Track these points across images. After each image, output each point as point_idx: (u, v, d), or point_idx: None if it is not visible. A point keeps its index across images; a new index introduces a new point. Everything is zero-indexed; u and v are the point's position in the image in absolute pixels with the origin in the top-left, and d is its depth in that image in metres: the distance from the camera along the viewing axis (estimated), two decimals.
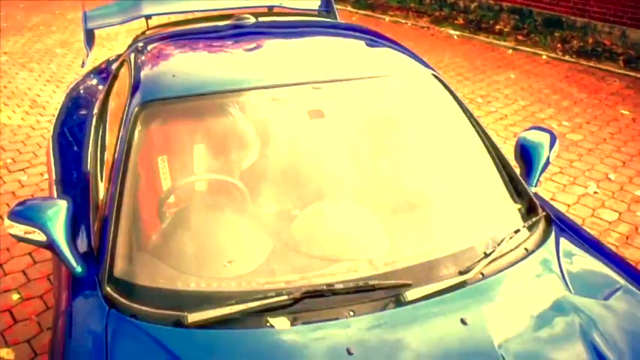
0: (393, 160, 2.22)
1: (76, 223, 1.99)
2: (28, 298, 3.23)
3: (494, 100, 5.92)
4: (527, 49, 7.48)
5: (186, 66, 2.46)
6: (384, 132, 2.31)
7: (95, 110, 3.07)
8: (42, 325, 3.04)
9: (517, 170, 2.36)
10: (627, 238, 3.85)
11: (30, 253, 3.57)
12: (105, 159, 2.40)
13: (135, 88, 2.28)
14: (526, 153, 2.43)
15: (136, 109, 2.13)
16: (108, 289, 1.75)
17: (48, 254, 3.33)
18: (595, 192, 4.34)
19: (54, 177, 2.84)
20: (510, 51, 7.46)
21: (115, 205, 1.92)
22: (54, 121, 3.51)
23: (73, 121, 3.33)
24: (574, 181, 4.49)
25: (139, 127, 2.09)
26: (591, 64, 6.97)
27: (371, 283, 1.72)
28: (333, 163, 2.12)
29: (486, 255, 1.86)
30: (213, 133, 2.27)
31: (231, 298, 1.65)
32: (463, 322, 1.66)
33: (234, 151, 2.23)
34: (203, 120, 2.24)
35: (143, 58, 2.56)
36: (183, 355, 1.55)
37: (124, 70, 2.73)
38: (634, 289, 1.92)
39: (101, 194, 2.18)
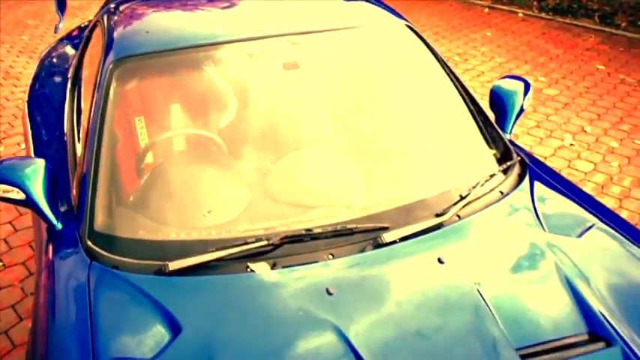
0: (369, 109, 2.24)
1: (54, 182, 1.99)
2: (11, 265, 3.24)
3: (472, 57, 5.94)
4: (504, 7, 7.49)
5: (159, 22, 2.44)
6: (359, 82, 2.32)
7: (70, 74, 3.04)
8: (25, 291, 3.05)
9: (492, 118, 2.38)
10: (602, 187, 3.92)
11: (11, 222, 3.56)
12: (81, 120, 2.39)
13: (108, 46, 2.27)
14: (500, 101, 2.46)
15: (110, 66, 2.12)
16: (89, 242, 1.76)
17: (29, 222, 3.33)
18: (571, 144, 4.40)
19: (31, 141, 2.83)
20: (487, 9, 7.46)
21: (93, 161, 1.92)
22: (28, 88, 3.48)
23: (48, 86, 3.31)
24: (550, 134, 4.54)
25: (114, 84, 2.08)
26: (567, 20, 7.00)
27: (349, 226, 1.75)
28: (309, 113, 2.14)
29: (462, 198, 1.89)
30: (189, 89, 2.27)
31: (210, 246, 1.67)
32: (440, 261, 1.70)
33: (211, 105, 2.23)
34: (178, 76, 2.24)
35: (116, 18, 2.54)
36: (166, 302, 1.57)
37: (97, 32, 2.71)
38: (606, 226, 1.96)
39: (79, 153, 2.18)
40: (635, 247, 1.89)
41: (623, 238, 1.93)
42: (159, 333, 1.50)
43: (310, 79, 2.23)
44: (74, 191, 2.04)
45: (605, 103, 5.05)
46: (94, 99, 2.10)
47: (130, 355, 1.45)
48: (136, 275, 1.64)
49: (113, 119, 2.04)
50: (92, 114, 2.06)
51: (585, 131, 4.59)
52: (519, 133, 4.46)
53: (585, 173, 4.05)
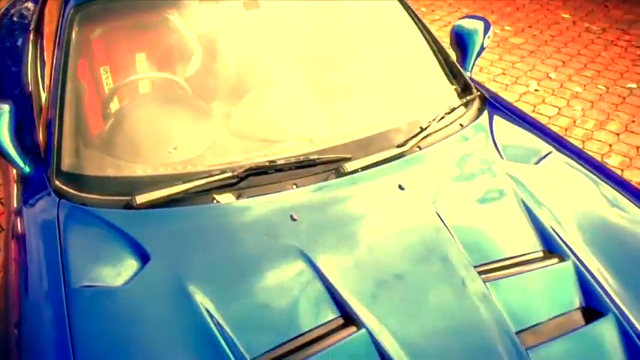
0: (330, 47, 2.26)
1: (20, 128, 2.00)
2: None
3: (438, 8, 5.95)
4: None
5: None
6: (320, 20, 2.34)
7: (31, 26, 3.01)
8: None
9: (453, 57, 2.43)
10: (566, 130, 4.01)
11: None
12: (45, 68, 2.39)
13: None
14: (461, 40, 2.50)
15: (71, 11, 2.12)
16: (57, 182, 1.78)
17: None
18: (536, 90, 4.47)
19: None
20: None
21: (59, 105, 1.93)
22: None
23: (10, 41, 3.27)
24: (516, 81, 4.60)
25: (75, 30, 2.08)
26: None
27: (312, 157, 1.79)
28: (272, 52, 2.16)
29: (422, 129, 1.94)
30: (151, 34, 2.27)
31: (176, 180, 1.70)
32: (400, 187, 1.75)
33: (174, 48, 2.24)
34: (139, 20, 2.24)
35: None
36: (134, 233, 1.60)
37: None
38: (562, 155, 2.03)
39: (44, 100, 2.18)
40: (589, 173, 1.96)
41: (577, 165, 2.00)
42: (128, 262, 1.54)
43: (271, 18, 2.24)
44: (41, 136, 2.05)
45: (569, 51, 5.12)
46: (56, 46, 2.10)
47: (101, 283, 1.49)
48: (104, 210, 1.67)
49: (77, 64, 2.05)
50: (55, 60, 2.06)
51: (550, 77, 4.66)
52: (485, 80, 4.52)
53: (550, 117, 4.13)
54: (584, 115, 4.20)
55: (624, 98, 4.47)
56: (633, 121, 4.19)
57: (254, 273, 1.52)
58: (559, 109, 4.24)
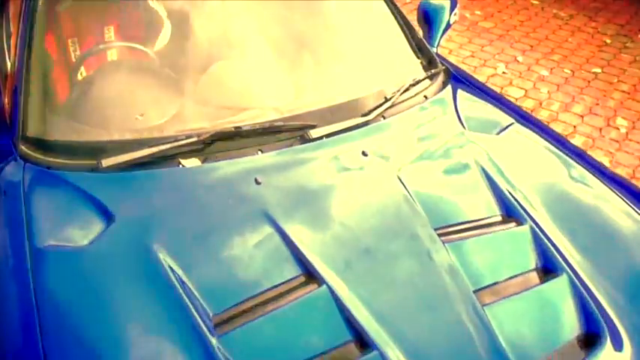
0: (297, 17, 2.27)
1: None
2: None
3: None
4: None
5: None
6: None
7: None
8: None
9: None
10: (532, 111, 4.09)
11: None
12: (12, 37, 2.37)
13: None
14: (427, 17, 2.54)
15: None
16: (23, 147, 1.78)
17: None
18: (504, 72, 4.54)
19: None
20: None
21: (25, 72, 1.92)
22: None
23: None
24: (484, 64, 4.67)
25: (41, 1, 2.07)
26: None
27: (277, 124, 1.82)
28: (240, 23, 2.17)
29: (387, 100, 1.97)
30: (121, 6, 2.26)
31: (142, 145, 1.71)
32: (364, 153, 1.79)
33: (143, 21, 2.24)
34: None
35: None
36: (99, 196, 1.61)
37: None
38: (523, 127, 2.09)
39: (9, 68, 2.17)
40: (548, 144, 2.02)
41: (538, 136, 2.06)
42: (93, 223, 1.55)
43: None
44: (6, 105, 2.04)
45: (537, 36, 5.20)
46: (23, 16, 2.09)
47: (65, 243, 1.50)
48: (69, 173, 1.68)
49: (44, 34, 2.04)
50: (21, 30, 2.05)
51: (518, 61, 4.74)
52: (454, 62, 4.56)
53: (516, 99, 4.20)
54: (549, 98, 4.28)
55: (589, 82, 4.56)
56: (597, 104, 4.29)
57: (218, 233, 1.54)
58: (526, 91, 4.31)
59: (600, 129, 4.01)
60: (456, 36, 5.01)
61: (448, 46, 4.79)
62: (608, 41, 5.23)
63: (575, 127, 3.99)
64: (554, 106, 4.19)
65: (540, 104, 4.18)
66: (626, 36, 5.34)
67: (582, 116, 4.13)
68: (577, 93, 4.40)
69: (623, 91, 4.49)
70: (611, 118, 4.16)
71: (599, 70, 4.73)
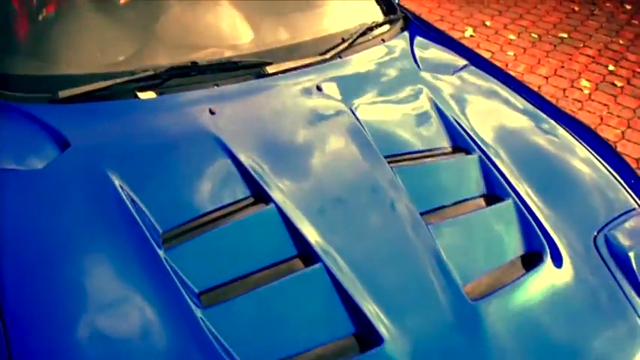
0: None
1: None
2: None
3: None
4: None
5: None
6: None
7: None
8: None
9: None
10: None
11: None
12: None
13: None
14: None
15: None
16: None
17: None
18: (471, 35, 4.59)
19: None
20: None
21: None
22: None
23: None
24: (453, 27, 4.71)
25: None
26: None
27: (234, 60, 1.84)
28: None
29: (344, 40, 2.01)
30: None
31: (100, 78, 1.73)
32: (318, 88, 1.82)
33: None
34: None
35: None
36: (55, 124, 1.63)
37: None
38: (477, 69, 2.14)
39: None
40: (500, 84, 2.07)
41: (491, 77, 2.11)
42: (48, 149, 1.57)
43: None
44: None
45: (507, 2, 5.26)
46: None
47: (20, 167, 1.52)
48: (26, 105, 1.69)
49: None
50: None
51: (486, 25, 4.79)
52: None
53: None
54: (516, 60, 4.34)
55: (555, 46, 4.63)
56: (562, 67, 4.36)
57: (170, 158, 1.57)
58: (492, 53, 4.37)
59: (564, 90, 4.08)
60: (426, 1, 5.04)
61: (418, 10, 4.82)
62: (576, 8, 5.30)
63: (539, 87, 4.05)
64: (519, 67, 4.25)
65: (506, 65, 4.23)
66: (594, 4, 5.42)
67: (547, 77, 4.20)
68: (543, 56, 4.46)
69: (588, 56, 4.57)
70: (575, 79, 4.24)
71: (565, 36, 4.80)
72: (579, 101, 3.98)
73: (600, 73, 4.34)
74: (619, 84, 4.24)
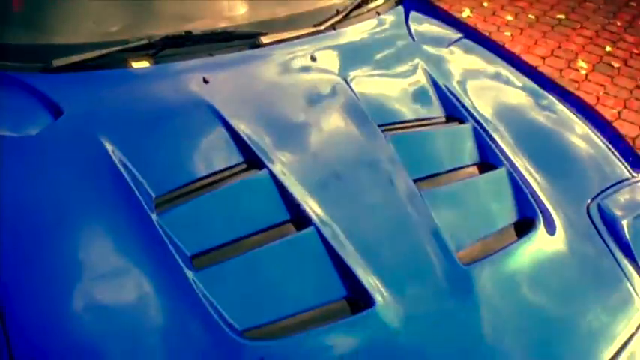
0: None
1: None
2: None
3: None
4: None
5: None
6: None
7: None
8: None
9: None
10: None
11: None
12: None
13: None
14: None
15: None
16: None
17: None
18: (468, 16, 4.58)
19: None
20: None
21: None
22: None
23: None
24: (450, 7, 4.68)
25: None
26: None
27: (229, 30, 1.84)
28: None
29: (339, 12, 2.00)
30: None
31: (94, 48, 1.72)
32: (312, 58, 1.82)
33: None
34: None
35: None
36: (49, 92, 1.62)
37: None
38: (472, 42, 2.13)
39: None
40: (494, 57, 2.07)
41: (485, 50, 2.11)
42: (42, 116, 1.56)
43: None
44: None
45: None
46: None
47: (14, 133, 1.52)
48: (20, 73, 1.69)
49: None
50: None
51: (483, 6, 4.78)
52: None
53: None
54: (512, 40, 4.33)
55: (552, 27, 4.62)
56: (559, 48, 4.35)
57: (163, 126, 1.57)
58: (489, 33, 4.35)
59: (561, 70, 4.08)
60: None
61: None
62: None
63: (536, 67, 4.04)
64: (516, 48, 4.24)
65: (504, 45, 4.22)
66: None
67: (544, 58, 4.19)
68: (540, 37, 4.46)
69: (585, 37, 4.56)
70: (572, 60, 4.24)
71: (563, 17, 4.79)
72: (576, 81, 3.97)
73: (597, 54, 4.33)
74: (616, 65, 4.24)
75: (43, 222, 1.36)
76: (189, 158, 1.51)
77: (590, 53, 4.34)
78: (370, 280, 1.30)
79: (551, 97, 1.94)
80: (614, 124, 3.26)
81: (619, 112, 3.73)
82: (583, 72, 4.10)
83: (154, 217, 1.34)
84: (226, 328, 1.20)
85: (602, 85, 4.00)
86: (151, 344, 1.18)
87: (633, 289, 1.49)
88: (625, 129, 3.51)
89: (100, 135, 1.51)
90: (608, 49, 4.42)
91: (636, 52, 4.43)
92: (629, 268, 1.52)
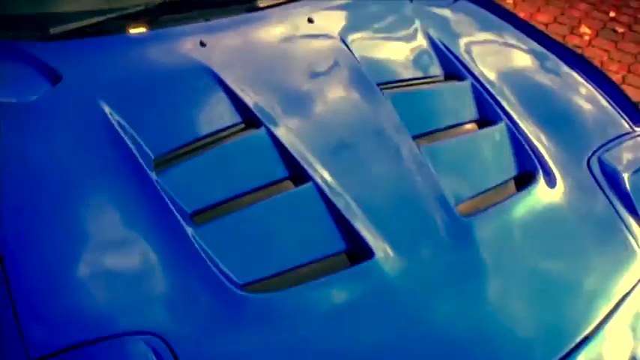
0: None
1: None
2: None
3: None
4: None
5: None
6: None
7: None
8: None
9: None
10: None
11: None
12: None
13: None
14: None
15: None
16: None
17: None
18: None
19: None
20: None
21: None
22: None
23: None
24: None
25: None
26: None
27: None
28: None
29: None
30: None
31: (91, 15, 1.73)
32: (310, 20, 1.81)
33: None
34: None
35: None
36: (46, 59, 1.63)
37: None
38: (470, 2, 2.12)
39: None
40: (493, 16, 2.06)
41: (484, 10, 2.10)
42: (41, 82, 1.57)
43: None
44: None
45: None
46: None
47: (12, 99, 1.53)
48: (19, 42, 1.69)
49: None
50: None
51: None
52: None
53: None
54: (515, 7, 4.29)
55: None
56: (562, 14, 4.31)
57: (161, 88, 1.57)
58: None
59: (564, 36, 4.04)
60: None
61: None
62: None
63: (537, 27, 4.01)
64: (519, 15, 4.19)
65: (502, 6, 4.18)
66: None
67: (547, 24, 4.16)
68: (543, 3, 4.41)
69: (589, 3, 4.51)
70: (575, 26, 4.20)
71: None
72: (579, 47, 3.94)
73: (601, 20, 4.29)
74: (620, 30, 4.20)
75: (44, 183, 1.37)
76: (187, 119, 1.51)
77: (593, 19, 4.30)
78: (369, 233, 1.31)
79: (552, 55, 1.94)
80: None
81: (623, 77, 3.71)
82: (587, 38, 4.07)
83: (153, 175, 1.35)
84: (226, 282, 1.20)
85: (606, 50, 3.96)
86: (151, 298, 1.19)
87: (634, 240, 1.49)
88: (630, 92, 3.48)
89: (99, 99, 1.51)
90: (612, 14, 4.37)
91: None
92: (630, 220, 1.52)
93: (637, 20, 4.35)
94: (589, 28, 4.18)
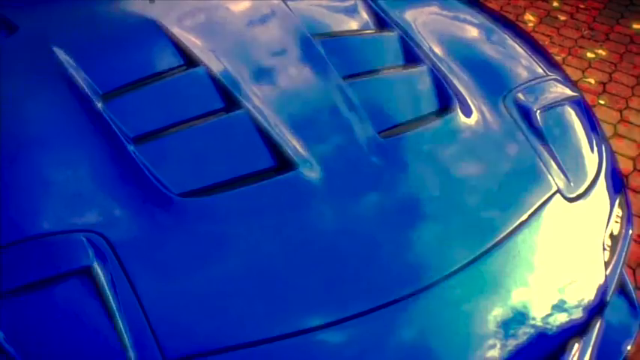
0: None
1: None
2: None
3: None
4: None
5: None
6: None
7: None
8: None
9: None
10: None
11: None
12: None
13: None
14: None
15: None
16: None
17: None
18: None
19: None
20: None
21: None
22: None
23: None
24: None
25: None
26: None
27: None
28: None
29: None
30: None
31: None
32: None
33: None
34: None
35: None
36: (4, 12, 1.75)
37: None
38: None
39: None
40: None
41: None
42: None
43: None
44: None
45: None
46: None
47: None
48: None
49: None
50: None
51: None
52: None
53: None
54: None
55: None
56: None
57: (111, 35, 1.70)
58: None
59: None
60: None
61: None
62: None
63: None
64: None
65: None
66: None
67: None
68: None
69: None
70: (520, 14, 4.40)
71: None
72: None
73: (545, 9, 4.51)
74: (562, 18, 4.41)
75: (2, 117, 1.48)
76: (133, 62, 1.63)
77: (538, 8, 4.51)
78: (295, 150, 1.44)
79: (476, 13, 2.09)
80: None
81: (563, 59, 3.91)
82: (530, 25, 4.27)
83: (99, 105, 1.47)
84: (164, 190, 1.33)
85: (548, 35, 4.17)
86: (93, 203, 1.31)
87: (543, 164, 1.63)
88: (569, 72, 3.67)
89: (53, 45, 1.63)
90: (555, 4, 4.59)
91: (582, 6, 4.61)
92: (540, 147, 1.67)
93: (579, 9, 4.57)
94: (533, 15, 4.38)
